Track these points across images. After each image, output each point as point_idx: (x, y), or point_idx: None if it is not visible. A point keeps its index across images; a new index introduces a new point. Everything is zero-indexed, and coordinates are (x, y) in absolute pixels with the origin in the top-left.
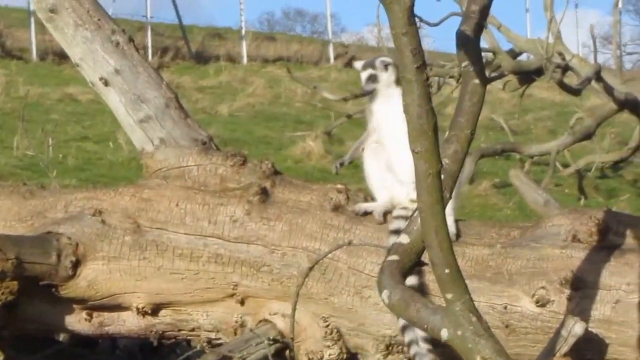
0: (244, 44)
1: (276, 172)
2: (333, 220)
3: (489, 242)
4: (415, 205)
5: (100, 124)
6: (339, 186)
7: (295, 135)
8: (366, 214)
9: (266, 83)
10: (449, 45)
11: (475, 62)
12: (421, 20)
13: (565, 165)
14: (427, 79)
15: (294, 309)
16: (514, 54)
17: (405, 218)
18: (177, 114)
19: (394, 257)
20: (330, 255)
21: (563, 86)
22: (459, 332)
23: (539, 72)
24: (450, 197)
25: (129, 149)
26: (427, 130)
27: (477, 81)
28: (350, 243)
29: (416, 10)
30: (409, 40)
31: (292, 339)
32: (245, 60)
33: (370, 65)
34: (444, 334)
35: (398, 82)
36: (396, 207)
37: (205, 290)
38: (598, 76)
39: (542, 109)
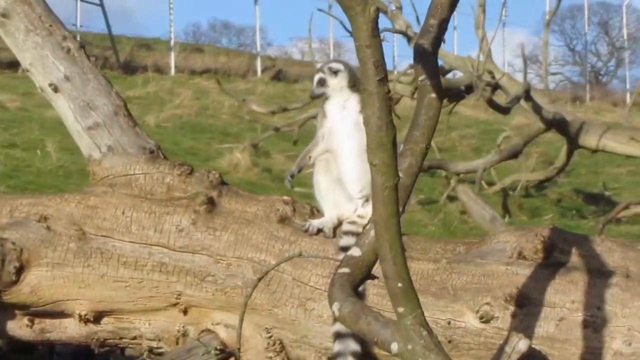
0: (172, 55)
1: (223, 183)
2: (279, 232)
3: (434, 257)
4: (363, 220)
5: (28, 131)
6: (286, 198)
7: (222, 147)
8: (319, 231)
9: (193, 94)
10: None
11: (432, 76)
12: (352, 35)
13: (491, 184)
14: (388, 91)
15: (242, 319)
16: (443, 70)
17: (354, 234)
18: (126, 122)
19: (345, 270)
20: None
21: (492, 104)
22: (409, 346)
23: (468, 89)
24: (404, 211)
25: (57, 157)
26: (386, 143)
27: (433, 95)
28: (300, 254)
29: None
30: (372, 53)
31: (239, 349)
32: (173, 71)
33: (320, 69)
34: (394, 347)
35: (353, 88)
36: (344, 222)
37: (148, 298)
38: (527, 95)
39: (467, 127)
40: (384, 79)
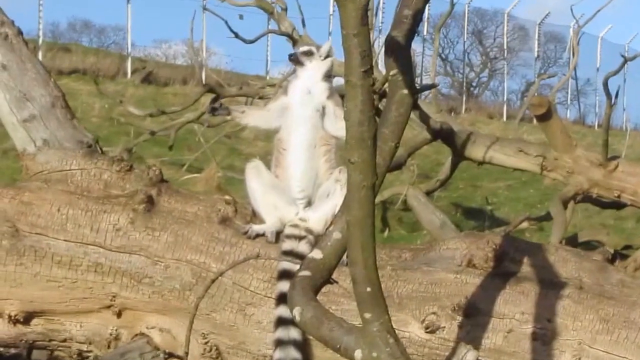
0: (40, 55)
1: (163, 180)
2: (220, 234)
3: (379, 263)
4: (305, 224)
5: None
6: (227, 197)
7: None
8: (258, 236)
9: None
10: (248, 66)
11: (405, 71)
12: (237, 36)
13: None
14: (373, 84)
15: (192, 322)
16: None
17: (297, 237)
18: (63, 114)
19: (306, 273)
20: (211, 269)
21: (377, 113)
22: (374, 354)
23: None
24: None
25: None
26: (366, 139)
27: (405, 91)
28: (258, 256)
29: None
30: (359, 42)
31: (187, 353)
32: None
33: (316, 45)
34: (358, 355)
35: (327, 79)
36: (286, 225)
37: (81, 300)
38: (415, 103)
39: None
40: (369, 71)
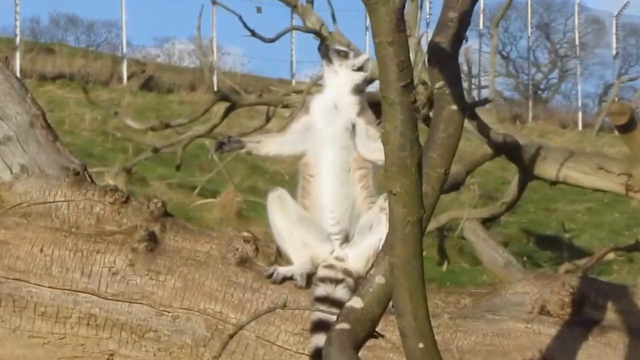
0: (17, 56)
1: (167, 214)
2: (239, 277)
3: (434, 311)
4: (342, 264)
5: None
6: (246, 234)
7: (89, 172)
8: (285, 279)
9: (46, 105)
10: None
11: (452, 82)
12: (253, 34)
13: None
14: (415, 101)
15: None
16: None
17: (333, 280)
18: (44, 135)
19: (344, 326)
20: (229, 320)
21: (429, 124)
22: None
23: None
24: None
25: None
26: (410, 166)
27: (454, 107)
28: (285, 305)
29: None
30: (396, 51)
31: None
32: (18, 75)
33: (353, 50)
34: None
35: (356, 91)
36: (319, 266)
37: (72, 359)
38: (471, 112)
39: None
40: (409, 85)
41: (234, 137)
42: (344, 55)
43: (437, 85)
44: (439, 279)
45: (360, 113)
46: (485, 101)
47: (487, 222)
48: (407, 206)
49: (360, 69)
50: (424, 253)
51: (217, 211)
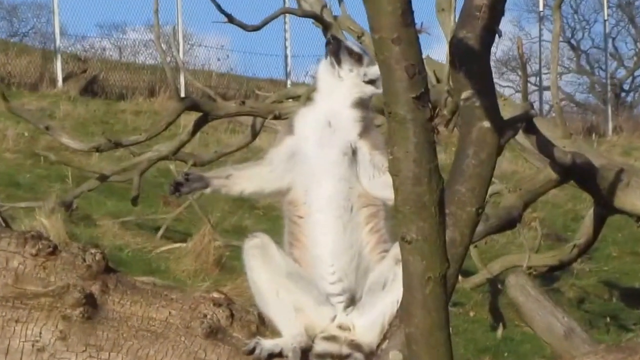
0: None
1: (109, 269)
2: (208, 353)
3: None
4: (348, 335)
5: None
6: (216, 295)
7: (15, 208)
8: (272, 357)
9: None
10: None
11: (483, 91)
12: (231, 20)
13: (469, 273)
14: (432, 117)
15: None
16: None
17: (336, 357)
18: None
19: None
20: None
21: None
22: None
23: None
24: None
25: None
26: (428, 205)
27: (486, 124)
28: None
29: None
30: (403, 51)
31: None
32: None
33: (369, 55)
34: None
35: (359, 104)
36: (316, 337)
37: None
38: (529, 124)
39: None
40: (423, 97)
41: (193, 174)
42: (357, 59)
43: (464, 95)
44: (493, 349)
45: (363, 133)
46: (525, 117)
47: (555, 272)
48: (427, 258)
49: (372, 82)
50: (471, 314)
51: (189, 260)
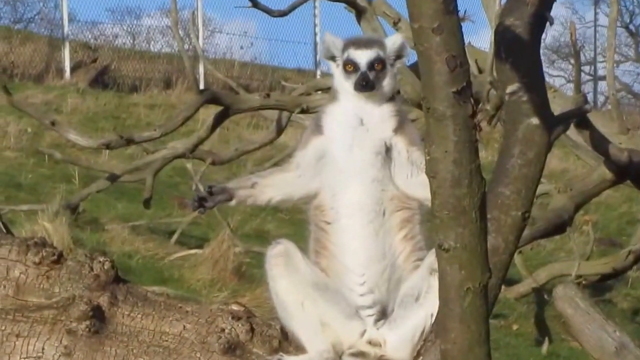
0: None
1: (119, 279)
2: None
3: None
4: (378, 351)
5: None
6: (235, 307)
7: (16, 211)
8: None
9: None
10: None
11: (532, 84)
12: (256, 5)
13: (512, 281)
14: (474, 114)
15: None
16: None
17: None
18: None
19: None
20: None
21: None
22: None
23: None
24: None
25: None
26: (468, 210)
27: (534, 121)
28: None
29: None
30: (445, 41)
31: None
32: None
33: (376, 42)
34: None
35: (390, 96)
36: (344, 353)
37: None
38: (581, 118)
39: None
40: (464, 91)
41: (216, 187)
42: (399, 54)
43: (510, 89)
44: None
45: (399, 129)
46: (579, 112)
47: (607, 280)
48: (466, 268)
49: (398, 57)
50: (514, 327)
51: (205, 268)
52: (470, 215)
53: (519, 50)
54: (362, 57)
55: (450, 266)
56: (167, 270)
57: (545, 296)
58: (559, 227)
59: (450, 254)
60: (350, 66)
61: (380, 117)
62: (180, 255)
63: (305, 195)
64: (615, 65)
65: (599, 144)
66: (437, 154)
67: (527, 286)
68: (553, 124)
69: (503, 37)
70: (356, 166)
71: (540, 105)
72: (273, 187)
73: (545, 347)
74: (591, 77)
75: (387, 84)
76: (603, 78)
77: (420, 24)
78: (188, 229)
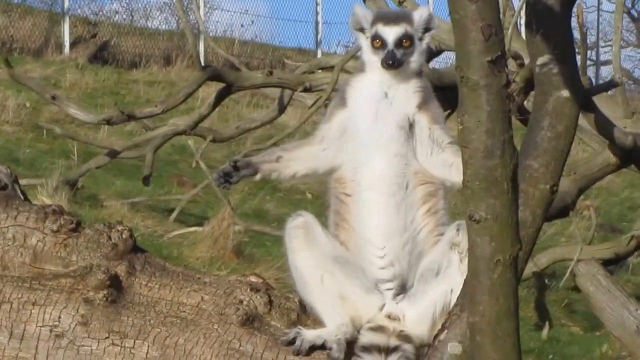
0: None
1: (137, 248)
2: (243, 343)
3: None
4: (398, 325)
5: None
6: (254, 279)
7: None
8: (314, 349)
9: None
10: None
11: (563, 57)
12: None
13: None
14: (508, 84)
15: None
16: (430, 53)
17: (383, 349)
18: None
19: None
20: None
21: (523, 115)
22: None
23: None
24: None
25: None
26: (501, 180)
27: (565, 93)
28: None
29: None
30: (480, 10)
31: None
32: None
33: (404, 18)
34: None
35: (416, 72)
36: (363, 327)
37: None
38: (587, 101)
39: None
40: (499, 61)
41: (241, 161)
42: (426, 27)
43: (540, 60)
44: (537, 350)
45: (423, 105)
46: (610, 85)
47: (609, 266)
48: (496, 239)
49: (426, 30)
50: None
51: (205, 246)
52: (502, 187)
53: (550, 22)
54: (390, 33)
55: (480, 238)
56: (166, 248)
57: (546, 281)
58: (562, 211)
59: (481, 225)
60: (378, 42)
61: (405, 91)
62: (180, 233)
63: (329, 169)
64: None
65: (604, 127)
66: (470, 124)
67: (527, 270)
68: (583, 96)
69: (534, 9)
70: (379, 139)
71: (571, 77)
72: (297, 161)
73: (545, 331)
74: (592, 62)
75: (414, 60)
76: (605, 63)
77: None
78: (187, 206)
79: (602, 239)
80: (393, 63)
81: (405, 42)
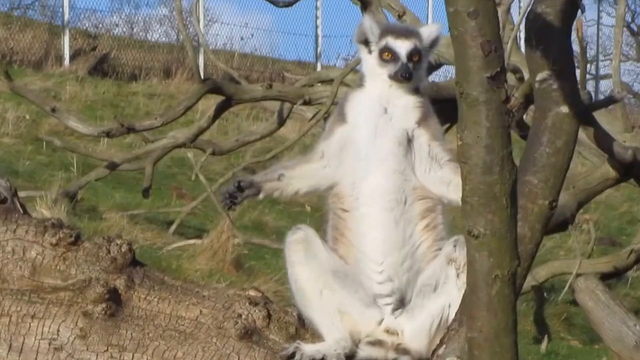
0: None
1: (135, 262)
2: (242, 357)
3: None
4: (396, 339)
5: None
6: (253, 293)
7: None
8: None
9: None
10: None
11: (562, 72)
12: (272, 1)
13: None
14: (507, 99)
15: None
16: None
17: None
18: None
19: None
20: None
21: (522, 129)
22: None
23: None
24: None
25: None
26: (499, 196)
27: (564, 109)
28: None
29: None
30: (480, 26)
31: None
32: None
33: (413, 33)
34: None
35: (416, 88)
36: (361, 342)
37: None
38: (586, 115)
39: None
40: (499, 77)
41: (244, 181)
42: (434, 40)
43: (540, 76)
44: None
45: (422, 121)
46: (610, 100)
47: (608, 280)
48: (495, 255)
49: (432, 45)
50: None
51: (203, 259)
52: (500, 202)
53: (549, 37)
54: (402, 47)
55: (479, 253)
56: (165, 260)
57: (545, 294)
58: (561, 224)
59: (479, 240)
60: (388, 54)
61: (404, 107)
62: (179, 246)
63: (331, 185)
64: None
65: (603, 141)
66: (469, 139)
67: (526, 285)
68: (582, 112)
69: (534, 25)
70: (378, 154)
71: (570, 93)
72: (299, 178)
73: (544, 345)
74: (592, 76)
75: (420, 75)
76: (605, 77)
77: (455, 8)
78: (186, 219)
79: (602, 252)
80: (409, 76)
81: (415, 56)
